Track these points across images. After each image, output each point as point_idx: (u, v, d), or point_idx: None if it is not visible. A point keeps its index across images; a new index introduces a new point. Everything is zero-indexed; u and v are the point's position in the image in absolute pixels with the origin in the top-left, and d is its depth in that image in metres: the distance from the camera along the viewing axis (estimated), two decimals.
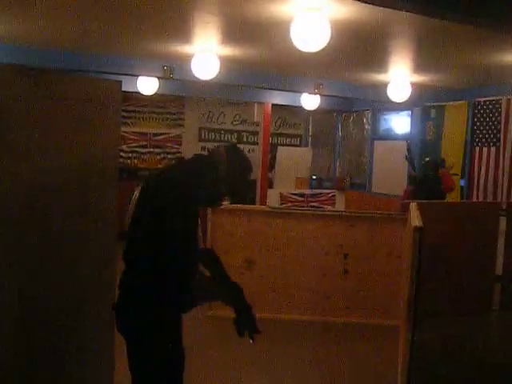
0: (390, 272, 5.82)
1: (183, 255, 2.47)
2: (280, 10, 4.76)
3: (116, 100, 3.16)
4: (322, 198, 11.70)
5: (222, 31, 6.18)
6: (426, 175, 7.82)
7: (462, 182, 9.13)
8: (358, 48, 6.55)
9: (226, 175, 2.68)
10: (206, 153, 2.87)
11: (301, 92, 9.64)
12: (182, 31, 6.10)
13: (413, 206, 5.33)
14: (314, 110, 11.67)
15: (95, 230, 3.13)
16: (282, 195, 11.20)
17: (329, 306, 5.84)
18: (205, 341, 5.02)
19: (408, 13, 4.45)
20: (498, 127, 8.50)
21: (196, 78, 7.35)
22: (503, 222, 6.52)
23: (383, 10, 4.42)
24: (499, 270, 6.58)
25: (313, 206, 11.18)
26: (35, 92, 2.94)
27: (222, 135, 12.62)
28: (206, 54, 6.75)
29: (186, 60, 7.32)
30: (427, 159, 8.25)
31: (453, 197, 9.10)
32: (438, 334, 5.67)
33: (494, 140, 8.58)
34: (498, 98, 8.50)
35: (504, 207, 6.65)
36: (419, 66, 7.58)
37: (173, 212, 2.47)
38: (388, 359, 4.90)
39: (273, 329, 5.60)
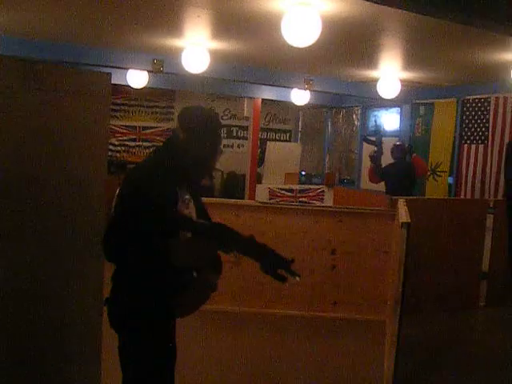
0: (378, 268, 5.84)
1: (152, 242, 2.32)
2: (271, 5, 4.76)
3: (105, 92, 3.13)
4: (311, 194, 11.76)
5: (212, 25, 6.16)
6: (398, 159, 8.00)
7: (451, 180, 9.19)
8: (348, 44, 6.56)
9: (188, 141, 2.52)
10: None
11: (291, 87, 9.63)
12: (173, 24, 6.07)
13: (400, 202, 5.37)
14: (304, 106, 11.70)
15: (83, 225, 3.11)
16: (270, 190, 11.23)
17: (316, 300, 5.86)
18: (191, 336, 5.01)
19: (398, 10, 4.46)
20: (487, 125, 8.54)
21: (186, 71, 7.33)
22: (490, 219, 6.58)
23: (374, 5, 4.41)
24: (486, 267, 6.64)
25: (301, 202, 11.23)
26: (24, 83, 2.91)
27: None
28: (196, 47, 6.73)
29: (176, 53, 7.29)
30: (397, 143, 8.40)
31: (440, 194, 9.17)
32: (423, 329, 5.72)
33: (483, 138, 8.63)
34: (487, 95, 8.54)
35: (491, 205, 6.70)
36: (409, 63, 7.60)
37: (132, 200, 2.39)
38: (374, 354, 4.92)
39: (261, 323, 5.62)
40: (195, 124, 2.56)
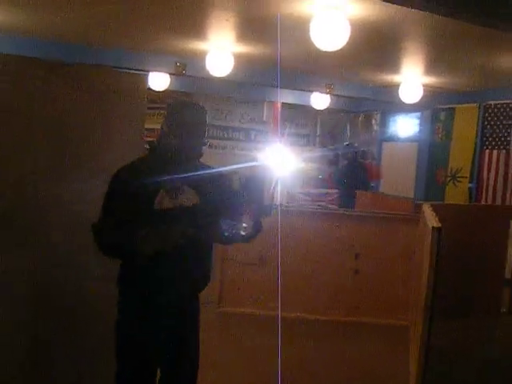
0: (401, 273, 5.82)
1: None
2: (299, 8, 4.76)
3: (141, 94, 3.17)
4: (329, 198, 11.72)
5: (238, 29, 6.19)
6: (351, 163, 8.06)
7: (472, 185, 9.13)
8: (372, 48, 6.56)
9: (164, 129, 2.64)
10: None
11: (311, 91, 9.63)
12: (199, 28, 6.10)
13: (426, 206, 5.35)
14: (322, 110, 11.69)
15: None
16: (289, 194, 11.21)
17: (339, 305, 5.84)
18: (214, 338, 5.01)
19: (422, 12, 4.44)
20: (509, 131, 8.49)
21: (208, 74, 7.36)
22: None
23: (399, 8, 4.43)
24: (508, 274, 6.59)
25: (319, 206, 11.21)
26: (63, 84, 2.95)
27: (230, 133, 12.62)
28: (220, 51, 6.75)
29: (199, 57, 7.32)
30: (346, 143, 8.47)
31: (461, 199, 9.12)
32: (445, 334, 5.68)
33: (505, 143, 8.57)
34: (510, 101, 8.49)
35: None
36: (431, 67, 7.58)
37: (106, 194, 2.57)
38: (398, 359, 4.90)
39: (283, 327, 5.60)
40: (168, 112, 2.67)
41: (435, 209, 5.20)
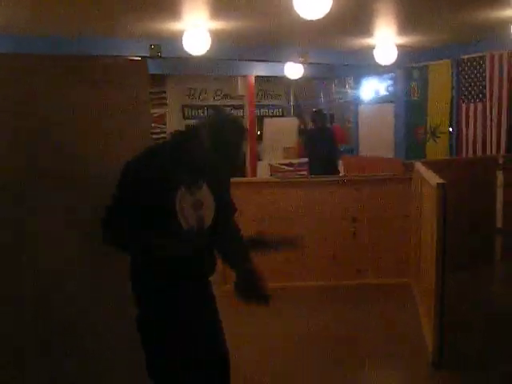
0: (399, 232, 5.93)
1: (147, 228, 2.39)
2: None
3: (143, 79, 3.14)
4: None
5: (211, 5, 6.15)
6: (320, 127, 8.09)
7: (452, 140, 9.29)
8: (346, 13, 6.57)
9: (211, 140, 2.45)
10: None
11: (286, 62, 9.62)
12: (173, 7, 6.05)
13: (419, 165, 5.46)
14: (294, 80, 11.70)
15: None
16: (271, 166, 11.27)
17: (340, 269, 5.94)
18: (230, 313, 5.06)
19: None
20: (484, 83, 8.64)
21: (183, 54, 7.32)
22: (500, 176, 6.70)
23: None
24: (499, 223, 6.77)
25: (302, 175, 11.28)
26: (65, 78, 2.93)
27: (206, 112, 12.59)
28: (196, 29, 6.71)
29: (172, 37, 7.28)
30: (314, 110, 8.55)
31: (442, 155, 9.28)
32: (453, 287, 5.83)
33: (480, 96, 8.72)
34: (482, 54, 8.62)
35: (500, 162, 6.81)
36: (404, 27, 7.65)
37: (123, 181, 2.46)
38: (407, 314, 5.04)
39: (287, 296, 5.69)
40: (222, 136, 2.49)
41: (426, 166, 5.31)
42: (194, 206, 2.48)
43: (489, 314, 5.13)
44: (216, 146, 2.46)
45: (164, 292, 2.50)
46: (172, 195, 2.41)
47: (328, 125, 8.28)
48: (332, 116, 8.41)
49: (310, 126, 8.34)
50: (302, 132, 8.17)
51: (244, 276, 2.58)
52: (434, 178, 4.13)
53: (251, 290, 2.56)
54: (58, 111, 2.91)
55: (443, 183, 3.77)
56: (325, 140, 7.86)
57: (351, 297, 5.67)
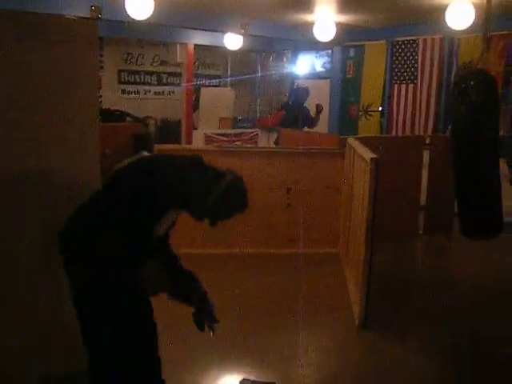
0: (330, 204, 6.20)
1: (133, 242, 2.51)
2: None
3: (93, 40, 3.17)
4: (245, 138, 11.96)
5: None
6: (296, 102, 8.39)
7: (383, 119, 9.65)
8: None
9: (218, 199, 2.49)
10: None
11: (226, 32, 9.65)
12: None
13: (351, 140, 5.71)
14: (233, 51, 11.73)
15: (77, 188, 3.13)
16: (206, 135, 11.32)
17: (274, 238, 6.16)
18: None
19: None
20: (416, 65, 9.01)
21: (123, 18, 7.25)
22: (427, 155, 7.07)
23: None
24: (423, 200, 7.18)
25: (237, 145, 11.43)
26: (16, 34, 2.92)
27: (142, 77, 12.45)
28: None
29: (114, 0, 7.19)
30: (297, 86, 8.86)
31: (373, 132, 9.64)
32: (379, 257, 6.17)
33: (412, 78, 9.10)
34: (416, 37, 8.97)
35: (427, 141, 7.18)
36: (344, 5, 7.83)
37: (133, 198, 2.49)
38: (336, 281, 5.33)
39: (223, 263, 5.86)
40: (226, 201, 2.55)
41: (359, 142, 5.56)
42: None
43: (409, 282, 5.53)
44: (216, 205, 2.51)
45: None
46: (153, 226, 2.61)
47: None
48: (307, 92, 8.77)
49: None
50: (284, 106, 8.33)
51: (200, 306, 2.85)
52: (367, 153, 4.37)
53: (207, 319, 2.84)
54: (7, 70, 2.91)
55: (376, 158, 4.01)
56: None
57: (283, 265, 5.90)
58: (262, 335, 4.21)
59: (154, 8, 7.63)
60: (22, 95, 2.99)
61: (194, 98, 11.44)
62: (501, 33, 7.47)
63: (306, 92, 8.54)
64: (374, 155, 4.11)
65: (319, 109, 8.71)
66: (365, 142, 5.57)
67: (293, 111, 8.18)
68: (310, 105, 10.69)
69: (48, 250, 2.87)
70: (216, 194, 2.47)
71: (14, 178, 2.99)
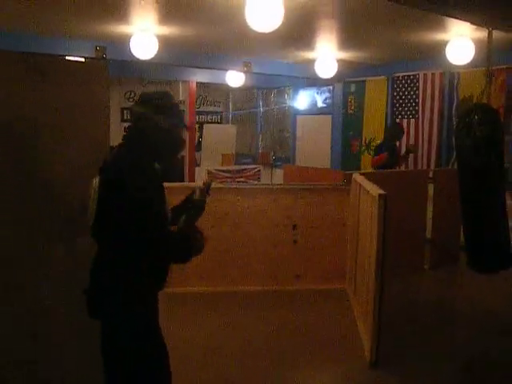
0: (336, 240, 6.17)
1: (156, 232, 2.48)
2: None
3: (103, 80, 3.20)
4: (248, 174, 11.99)
5: (159, 11, 6.21)
6: (392, 144, 8.08)
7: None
8: (292, 27, 6.76)
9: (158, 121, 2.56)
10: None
11: (228, 70, 9.77)
12: (118, 10, 6.06)
13: (357, 175, 5.71)
14: (235, 88, 11.87)
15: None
16: (209, 172, 11.36)
17: (281, 275, 6.12)
18: (172, 317, 5.13)
19: None
20: (416, 100, 9.09)
21: (127, 57, 7.34)
22: (431, 189, 7.08)
23: None
24: (428, 233, 7.15)
25: (239, 182, 11.46)
26: (27, 76, 2.96)
27: None
28: (144, 33, 6.74)
29: (118, 40, 7.29)
30: (392, 123, 8.64)
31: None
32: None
33: (413, 112, 9.17)
34: (416, 72, 9.08)
35: (431, 175, 7.19)
36: (345, 43, 7.94)
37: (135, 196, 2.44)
38: (344, 318, 5.27)
39: (229, 301, 5.82)
40: (161, 103, 2.61)
41: (364, 177, 5.57)
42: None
43: (418, 318, 5.47)
44: (160, 117, 2.57)
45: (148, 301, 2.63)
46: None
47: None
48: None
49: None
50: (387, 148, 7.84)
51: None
52: (374, 189, 4.36)
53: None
54: (20, 109, 2.94)
55: (385, 194, 4.01)
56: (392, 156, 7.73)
57: (290, 301, 5.85)
58: (271, 376, 4.14)
59: (158, 47, 7.75)
60: (32, 137, 3.01)
61: (197, 137, 11.50)
62: (501, 67, 7.56)
63: (401, 130, 8.19)
64: (381, 191, 4.11)
65: (411, 149, 8.19)
66: (370, 177, 5.60)
67: (394, 151, 7.76)
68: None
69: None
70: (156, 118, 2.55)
71: None
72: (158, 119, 2.57)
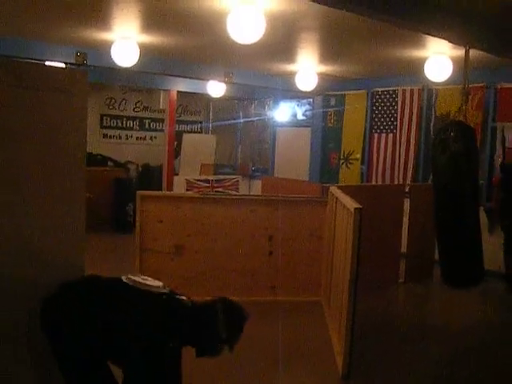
0: (312, 252, 6.20)
1: None
2: (214, 4, 4.92)
3: (82, 89, 3.19)
4: (226, 184, 11.99)
5: (141, 19, 6.22)
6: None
7: (363, 167, 9.76)
8: (273, 40, 6.81)
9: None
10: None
11: (209, 80, 9.79)
12: (100, 17, 6.06)
13: (334, 189, 5.75)
14: (215, 98, 11.87)
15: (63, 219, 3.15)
16: (188, 181, 11.33)
17: (256, 285, 6.12)
18: None
19: (322, 6, 4.66)
20: (395, 115, 9.20)
21: (109, 64, 7.32)
22: (407, 203, 7.15)
23: (301, 3, 4.68)
24: (404, 247, 7.21)
25: (218, 192, 11.45)
26: (4, 80, 2.93)
27: (124, 122, 12.51)
28: (126, 41, 6.74)
29: (100, 47, 7.28)
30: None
31: (354, 181, 9.73)
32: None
33: (392, 127, 9.27)
34: (395, 88, 9.19)
35: (407, 190, 7.27)
36: (326, 57, 8.02)
37: None
38: (317, 329, 5.28)
39: None
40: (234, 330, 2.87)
41: (340, 190, 5.61)
42: None
43: (391, 331, 5.50)
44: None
45: None
46: None
47: None
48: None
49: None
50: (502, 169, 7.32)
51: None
52: (351, 203, 4.40)
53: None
54: None
55: (360, 208, 4.04)
56: None
57: (265, 312, 5.83)
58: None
59: (139, 55, 7.74)
60: (6, 143, 2.99)
61: (175, 144, 11.47)
62: (478, 85, 7.69)
63: None
64: (357, 205, 4.14)
65: None
66: (346, 190, 5.65)
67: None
68: None
69: None
70: (221, 325, 2.77)
71: None
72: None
